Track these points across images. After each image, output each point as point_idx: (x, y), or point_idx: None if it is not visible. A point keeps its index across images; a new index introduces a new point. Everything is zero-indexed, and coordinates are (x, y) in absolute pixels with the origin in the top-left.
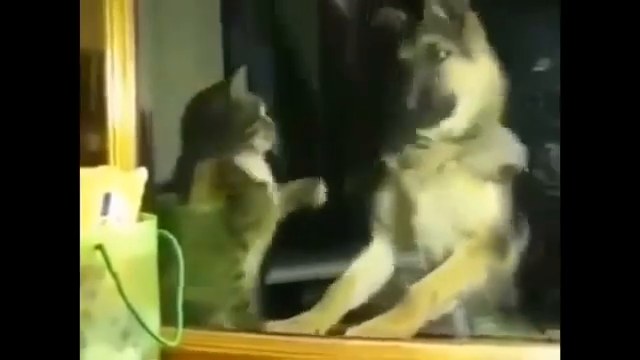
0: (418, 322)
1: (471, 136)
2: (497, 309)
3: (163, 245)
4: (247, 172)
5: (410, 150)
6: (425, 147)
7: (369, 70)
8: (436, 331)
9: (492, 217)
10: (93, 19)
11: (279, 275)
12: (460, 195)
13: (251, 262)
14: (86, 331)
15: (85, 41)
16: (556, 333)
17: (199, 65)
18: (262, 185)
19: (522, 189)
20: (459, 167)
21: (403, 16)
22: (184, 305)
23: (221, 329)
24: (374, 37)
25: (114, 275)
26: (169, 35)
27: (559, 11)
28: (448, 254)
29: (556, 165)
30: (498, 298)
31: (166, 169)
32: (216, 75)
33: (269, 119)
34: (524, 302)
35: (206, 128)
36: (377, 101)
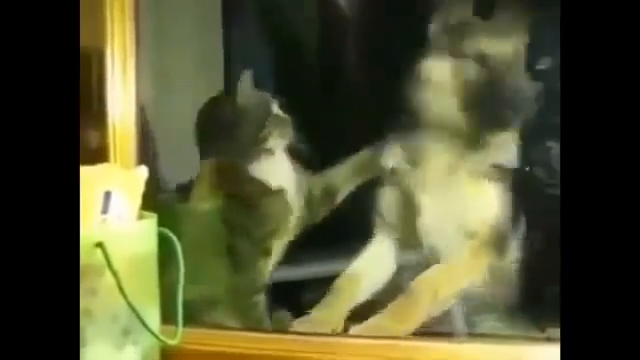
0: (418, 318)
1: (480, 137)
2: (497, 308)
3: (163, 243)
4: (263, 181)
5: (414, 148)
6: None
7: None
8: (435, 329)
9: (493, 216)
10: (93, 17)
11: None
12: (462, 194)
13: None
14: (86, 329)
15: (85, 39)
16: (556, 332)
17: (199, 63)
18: (280, 192)
19: (522, 187)
20: (461, 166)
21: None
22: (185, 303)
23: (221, 327)
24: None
25: (114, 273)
26: (169, 33)
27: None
28: (451, 253)
29: (556, 163)
30: (498, 297)
31: (167, 167)
32: (216, 73)
33: (283, 114)
34: (524, 300)
35: (216, 138)
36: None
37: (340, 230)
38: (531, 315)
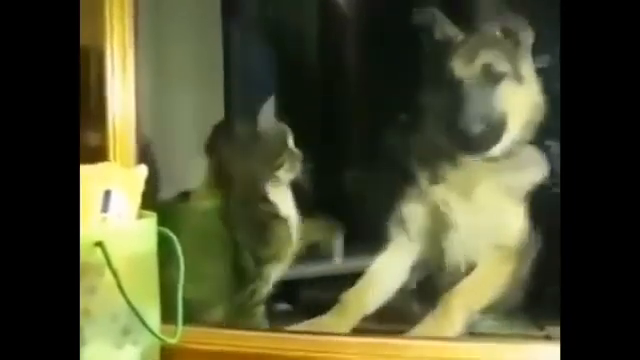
0: (449, 332)
1: (506, 156)
2: (496, 307)
3: (163, 242)
4: (275, 204)
5: (441, 166)
6: (459, 163)
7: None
8: None
9: (519, 232)
10: (93, 16)
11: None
12: (489, 212)
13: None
14: (86, 328)
15: (85, 38)
16: (555, 330)
17: (199, 62)
18: (287, 219)
19: (542, 199)
20: (490, 186)
21: (460, 35)
22: (184, 302)
23: (221, 326)
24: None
25: (114, 272)
26: (169, 32)
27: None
28: (473, 266)
29: (556, 162)
30: (498, 296)
31: (166, 166)
32: (216, 72)
33: (296, 150)
34: (523, 299)
35: (234, 157)
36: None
37: (358, 233)
38: (530, 314)
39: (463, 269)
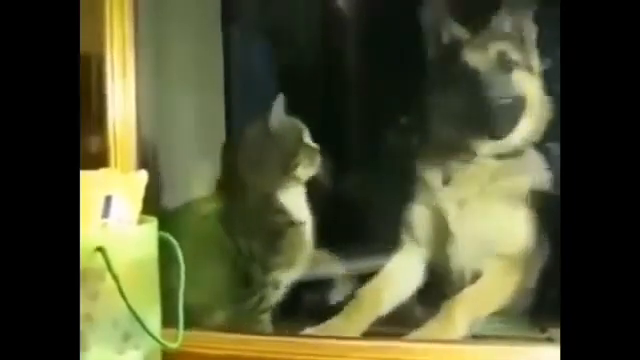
0: (452, 337)
1: (512, 156)
2: (499, 310)
3: (164, 247)
4: (289, 211)
5: (450, 166)
6: (467, 162)
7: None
8: None
9: (524, 238)
10: (93, 22)
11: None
12: (494, 216)
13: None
14: (87, 333)
15: (85, 44)
16: (557, 332)
17: (199, 66)
18: (301, 224)
19: (549, 208)
20: (496, 189)
21: (467, 34)
22: (186, 307)
23: (223, 330)
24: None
25: (115, 277)
26: (169, 37)
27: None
28: (479, 274)
29: (556, 165)
30: (503, 304)
31: (167, 174)
32: (216, 76)
33: (313, 144)
34: (525, 302)
35: (248, 164)
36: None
37: (366, 238)
38: (532, 316)
39: (469, 276)
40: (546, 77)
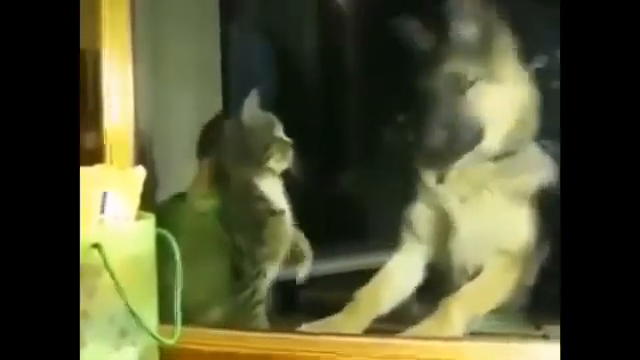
0: (449, 334)
1: (507, 154)
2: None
3: (161, 243)
4: (268, 199)
5: (445, 166)
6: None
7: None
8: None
9: (525, 236)
10: (90, 19)
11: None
12: (495, 214)
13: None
14: (84, 330)
15: (82, 41)
16: (553, 329)
17: (197, 63)
18: (282, 213)
19: (550, 205)
20: (496, 186)
21: (432, 39)
22: (183, 303)
23: (220, 327)
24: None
25: (112, 274)
26: (166, 33)
27: (558, 8)
28: (479, 268)
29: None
30: (502, 301)
31: (164, 169)
32: (214, 74)
33: (286, 138)
34: (521, 299)
35: (223, 154)
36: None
37: (366, 235)
38: (528, 313)
39: (470, 272)
40: (543, 74)
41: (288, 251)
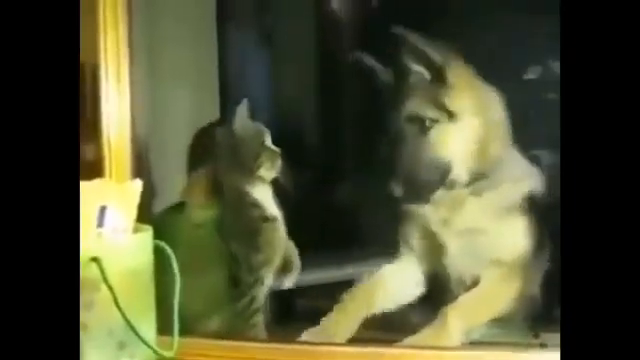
0: (446, 344)
1: (478, 178)
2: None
3: (159, 254)
4: (263, 206)
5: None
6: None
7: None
8: None
9: (517, 245)
10: (88, 31)
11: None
12: (482, 228)
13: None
14: (83, 342)
15: (80, 53)
16: (550, 338)
17: (194, 75)
18: (274, 219)
19: (546, 214)
20: (476, 204)
21: (390, 78)
22: (181, 314)
23: (218, 337)
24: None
25: (110, 287)
26: (164, 46)
27: (555, 18)
28: (477, 280)
29: (545, 172)
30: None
31: (162, 180)
32: (211, 84)
33: (274, 148)
34: (519, 307)
35: (216, 162)
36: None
37: (363, 244)
38: (525, 321)
39: (468, 283)
40: (538, 85)
41: (281, 259)
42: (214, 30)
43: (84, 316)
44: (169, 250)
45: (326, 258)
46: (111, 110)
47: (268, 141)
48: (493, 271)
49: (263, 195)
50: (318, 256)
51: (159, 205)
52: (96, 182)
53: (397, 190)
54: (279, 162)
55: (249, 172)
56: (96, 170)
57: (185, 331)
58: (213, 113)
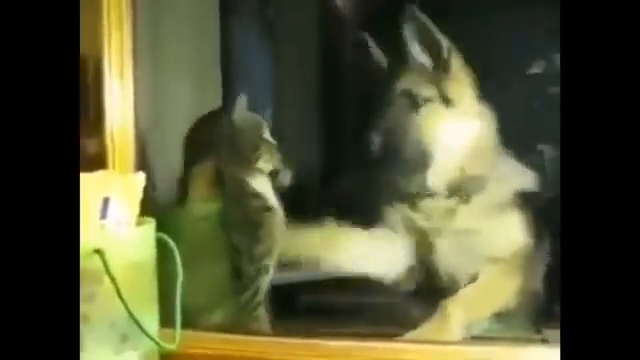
0: (447, 338)
1: (472, 183)
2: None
3: (162, 247)
4: (264, 196)
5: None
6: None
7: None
8: None
9: (517, 241)
10: (91, 24)
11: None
12: (477, 228)
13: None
14: (85, 335)
15: (83, 46)
16: (552, 333)
17: (197, 69)
18: (275, 209)
19: (543, 208)
20: (470, 207)
21: (384, 60)
22: (184, 307)
23: (221, 331)
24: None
25: (113, 279)
26: (167, 39)
27: (556, 13)
28: (475, 277)
29: (549, 167)
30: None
31: (165, 173)
32: (214, 78)
33: (272, 140)
34: (520, 303)
35: (218, 153)
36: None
37: None
38: (527, 317)
39: (463, 280)
40: (541, 82)
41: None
42: (217, 24)
43: (86, 308)
44: (172, 243)
45: None
46: (114, 103)
47: (266, 134)
48: (491, 267)
49: (263, 186)
50: None
51: (162, 198)
52: (99, 174)
53: (376, 141)
54: (277, 155)
55: (247, 163)
56: (99, 163)
57: (188, 324)
58: (217, 104)
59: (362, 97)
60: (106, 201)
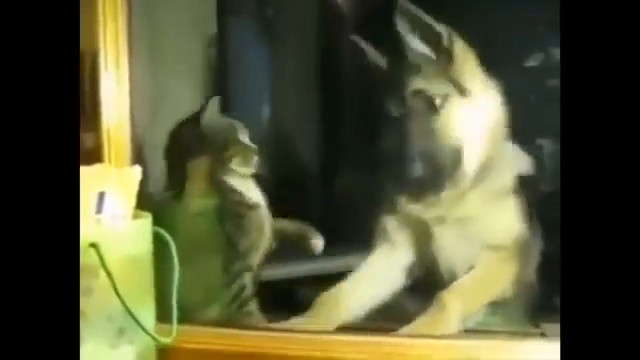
0: (450, 329)
1: (483, 170)
2: (491, 303)
3: (158, 242)
4: (242, 193)
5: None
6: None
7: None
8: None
9: (512, 228)
10: (87, 19)
11: (277, 271)
12: (477, 215)
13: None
14: (82, 329)
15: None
16: (551, 327)
17: (194, 61)
18: (257, 206)
19: (537, 195)
20: (476, 193)
21: (383, 61)
22: (180, 301)
23: (217, 325)
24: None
25: (109, 273)
26: (163, 34)
27: (555, 6)
28: (471, 266)
29: (548, 161)
30: (497, 297)
31: (161, 167)
32: (211, 75)
33: (250, 144)
34: (518, 296)
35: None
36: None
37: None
38: (525, 310)
39: (461, 270)
40: (539, 75)
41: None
42: (214, 19)
43: (82, 302)
44: (168, 237)
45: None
46: (110, 97)
47: (243, 137)
48: (488, 255)
49: (240, 184)
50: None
51: (157, 193)
52: (95, 167)
53: (417, 169)
54: (255, 159)
55: (221, 164)
56: (95, 157)
57: (184, 319)
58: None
59: (364, 103)
60: (102, 195)
